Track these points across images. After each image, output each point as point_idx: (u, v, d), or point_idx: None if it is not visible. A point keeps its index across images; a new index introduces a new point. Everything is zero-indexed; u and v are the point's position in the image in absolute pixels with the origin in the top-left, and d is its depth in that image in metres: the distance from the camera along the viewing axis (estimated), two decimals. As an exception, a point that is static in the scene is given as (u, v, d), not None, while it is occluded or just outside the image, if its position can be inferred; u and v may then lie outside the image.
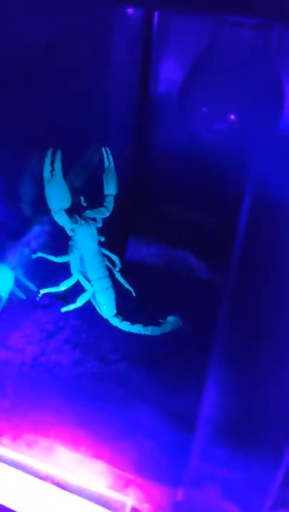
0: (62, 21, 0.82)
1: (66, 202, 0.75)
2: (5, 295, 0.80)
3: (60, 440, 0.60)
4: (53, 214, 0.76)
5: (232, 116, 0.80)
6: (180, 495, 0.52)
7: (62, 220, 0.76)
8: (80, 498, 0.55)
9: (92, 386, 0.69)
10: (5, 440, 0.60)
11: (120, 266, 0.84)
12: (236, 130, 0.81)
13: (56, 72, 0.83)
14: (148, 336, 0.78)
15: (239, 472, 0.50)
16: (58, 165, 0.73)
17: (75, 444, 0.59)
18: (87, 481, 0.55)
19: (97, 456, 0.58)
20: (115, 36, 0.95)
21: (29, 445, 0.59)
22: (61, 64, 0.83)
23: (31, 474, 0.56)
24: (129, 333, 0.79)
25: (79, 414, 0.63)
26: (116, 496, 0.54)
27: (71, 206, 0.77)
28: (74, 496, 0.55)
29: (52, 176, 0.73)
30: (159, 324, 0.79)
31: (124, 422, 0.61)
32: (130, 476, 0.55)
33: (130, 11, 0.94)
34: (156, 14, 0.92)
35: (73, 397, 0.65)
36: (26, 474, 0.57)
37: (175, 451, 0.56)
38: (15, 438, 0.60)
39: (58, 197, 0.74)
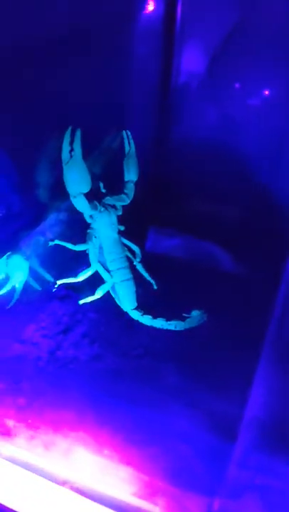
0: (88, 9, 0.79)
1: (86, 185, 0.70)
2: (19, 286, 0.76)
3: (80, 442, 0.54)
4: (71, 198, 0.71)
5: (266, 92, 0.74)
6: (216, 506, 0.47)
7: (81, 205, 0.72)
8: (101, 507, 0.50)
9: (114, 383, 0.64)
10: (20, 441, 0.55)
11: (141, 257, 0.79)
12: (270, 107, 0.75)
13: (80, 53, 0.80)
14: (172, 330, 0.73)
15: (282, 481, 0.44)
16: (77, 145, 0.68)
17: (97, 446, 0.54)
18: (111, 488, 0.50)
19: (122, 460, 0.52)
20: (138, 21, 0.91)
21: (46, 447, 0.54)
22: (86, 44, 0.80)
23: (48, 479, 0.51)
24: (151, 328, 0.73)
25: (101, 413, 0.57)
26: (143, 504, 0.49)
27: (90, 192, 0.72)
28: (95, 503, 0.50)
29: (71, 156, 0.68)
30: (183, 319, 0.74)
31: (153, 424, 0.56)
32: (159, 484, 0.50)
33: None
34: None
35: (94, 395, 0.60)
36: (43, 479, 0.51)
37: (212, 457, 0.51)
38: (31, 439, 0.55)
39: (77, 179, 0.69)
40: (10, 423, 0.57)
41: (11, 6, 0.68)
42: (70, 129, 0.69)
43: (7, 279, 0.77)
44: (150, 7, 0.92)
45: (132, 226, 0.79)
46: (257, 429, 0.44)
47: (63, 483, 0.51)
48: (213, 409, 0.56)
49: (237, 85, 0.85)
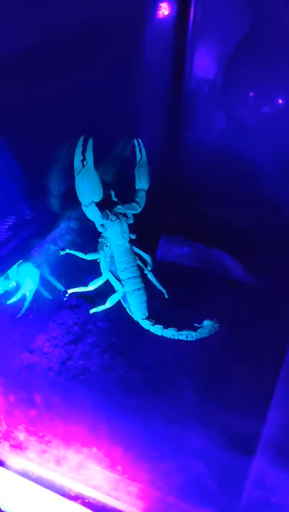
0: (96, 12, 0.79)
1: (98, 194, 0.69)
2: (30, 294, 0.76)
3: (92, 457, 0.54)
4: (83, 207, 0.71)
5: (280, 100, 0.74)
6: (230, 524, 0.46)
7: (93, 214, 0.71)
8: (113, 522, 0.49)
9: (126, 396, 0.63)
10: (31, 455, 0.54)
11: (152, 265, 0.79)
12: (283, 114, 0.75)
13: (89, 61, 0.80)
14: (183, 340, 0.72)
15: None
16: (89, 154, 0.68)
17: (109, 461, 0.53)
18: (123, 504, 0.49)
19: (135, 476, 0.52)
20: (150, 27, 0.90)
21: (58, 461, 0.54)
22: (95, 51, 0.80)
23: (60, 493, 0.51)
24: (162, 338, 0.73)
25: (113, 427, 0.57)
26: (155, 521, 0.48)
27: (102, 200, 0.72)
28: (107, 519, 0.49)
29: (83, 165, 0.68)
30: (195, 329, 0.73)
31: (166, 440, 0.55)
32: (172, 501, 0.49)
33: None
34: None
35: (106, 408, 0.59)
36: (54, 493, 0.51)
37: (226, 474, 0.50)
38: (42, 452, 0.55)
39: (89, 189, 0.69)
40: (21, 436, 0.57)
41: (21, 13, 0.68)
42: (82, 138, 0.68)
43: (17, 287, 0.77)
44: (162, 12, 0.91)
45: (142, 234, 0.78)
46: (274, 449, 0.43)
47: (75, 498, 0.51)
48: (228, 425, 0.55)
49: (249, 91, 0.84)
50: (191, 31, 0.91)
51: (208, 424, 0.55)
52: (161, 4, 0.91)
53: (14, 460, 0.54)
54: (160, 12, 0.92)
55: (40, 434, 0.57)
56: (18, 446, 0.56)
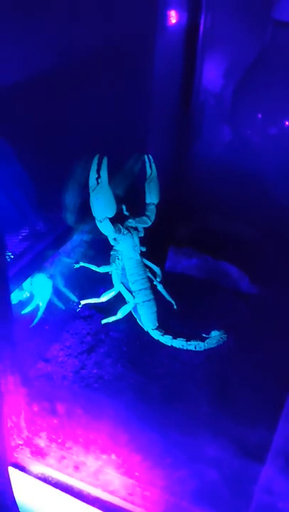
0: (106, 31, 0.81)
1: (111, 210, 0.72)
2: (43, 304, 0.78)
3: (110, 463, 0.56)
4: (97, 223, 0.73)
5: (287, 123, 0.76)
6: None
7: (106, 229, 0.74)
8: (129, 526, 0.52)
9: (140, 403, 0.65)
10: (51, 461, 0.57)
11: (161, 277, 0.81)
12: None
13: (101, 78, 0.82)
14: (192, 350, 0.75)
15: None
16: (104, 172, 0.71)
17: (126, 468, 0.56)
18: (139, 508, 0.52)
19: (151, 482, 0.54)
20: (159, 42, 0.93)
21: (77, 468, 0.56)
22: (107, 69, 0.82)
23: (78, 498, 0.53)
24: (172, 348, 0.75)
25: (130, 435, 0.59)
26: (170, 525, 0.50)
27: (114, 215, 0.74)
28: (123, 522, 0.52)
29: (98, 183, 0.71)
30: (203, 339, 0.76)
31: (181, 447, 0.58)
32: (186, 506, 0.51)
33: (174, 16, 0.92)
34: (202, 19, 0.89)
35: (123, 416, 0.62)
36: (73, 498, 0.53)
37: (239, 481, 0.53)
38: (62, 459, 0.57)
39: (103, 205, 0.71)
40: (42, 443, 0.59)
41: (36, 35, 0.70)
42: (97, 156, 0.71)
43: (31, 297, 0.80)
44: (171, 27, 0.93)
45: (152, 246, 0.81)
46: (282, 457, 0.46)
47: (93, 502, 0.53)
48: (239, 434, 0.58)
49: (258, 107, 0.86)
50: (201, 47, 0.93)
51: (219, 433, 0.57)
52: (171, 20, 0.93)
53: (35, 466, 0.57)
54: (170, 28, 0.94)
55: (60, 440, 0.60)
56: (38, 453, 0.58)
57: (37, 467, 0.56)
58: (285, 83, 0.73)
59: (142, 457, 0.57)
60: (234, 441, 0.57)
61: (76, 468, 0.56)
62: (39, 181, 0.77)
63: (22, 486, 0.56)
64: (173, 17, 0.92)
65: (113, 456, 0.57)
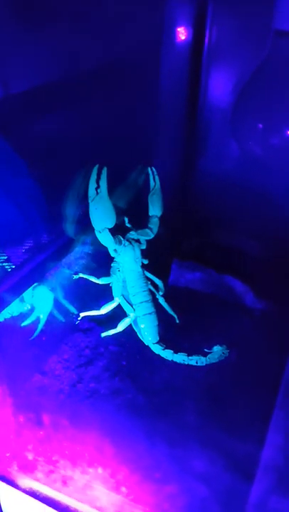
0: (113, 46, 0.82)
1: (111, 221, 0.72)
2: (44, 316, 0.77)
3: (98, 478, 0.54)
4: (96, 233, 0.73)
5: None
6: None
7: (106, 239, 0.73)
8: None
9: (134, 419, 0.63)
10: (39, 475, 0.55)
11: (164, 290, 0.80)
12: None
13: (107, 91, 0.83)
14: (193, 365, 0.73)
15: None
16: (103, 182, 0.71)
17: (115, 483, 0.54)
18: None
19: (140, 499, 0.52)
20: (165, 57, 0.93)
21: (65, 482, 0.54)
22: (113, 81, 0.83)
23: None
24: (172, 362, 0.73)
25: (119, 449, 0.57)
26: None
27: (115, 226, 0.74)
28: None
29: (97, 193, 0.70)
30: (205, 354, 0.74)
31: (171, 462, 0.55)
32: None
33: (180, 31, 0.93)
34: (207, 34, 0.90)
35: (113, 431, 0.60)
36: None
37: (229, 497, 0.50)
38: (50, 473, 0.56)
39: (102, 215, 0.71)
40: (29, 456, 0.58)
41: (46, 52, 0.72)
42: (96, 166, 0.71)
43: (32, 309, 0.79)
44: (177, 42, 0.94)
45: (155, 259, 0.80)
46: (273, 473, 0.43)
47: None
48: (230, 448, 0.55)
49: (263, 121, 0.85)
50: (206, 60, 0.93)
51: (211, 446, 0.55)
52: (177, 35, 0.94)
53: (22, 480, 0.55)
54: (175, 43, 0.94)
55: (48, 454, 0.58)
56: (26, 466, 0.57)
57: (25, 481, 0.55)
58: (288, 93, 0.72)
59: (132, 472, 0.55)
60: (224, 455, 0.54)
61: (64, 483, 0.54)
62: (46, 193, 0.77)
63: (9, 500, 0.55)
64: (179, 33, 0.93)
65: (102, 471, 0.55)
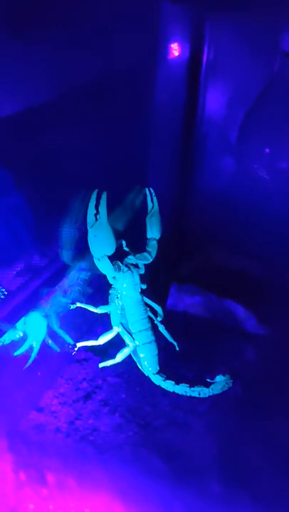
0: (106, 63, 0.79)
1: (110, 248, 0.68)
2: (37, 345, 0.74)
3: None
4: (95, 260, 0.69)
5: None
6: None
7: (105, 267, 0.70)
8: None
9: (136, 458, 0.60)
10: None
11: (163, 317, 0.77)
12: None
13: (102, 110, 0.80)
14: (195, 397, 0.69)
15: None
16: (103, 208, 0.67)
17: None
18: None
19: None
20: (160, 74, 0.91)
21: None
22: (108, 100, 0.80)
23: None
24: (174, 394, 0.70)
25: (121, 490, 0.54)
26: None
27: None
28: None
29: (96, 219, 0.67)
30: (208, 385, 0.71)
31: (172, 505, 0.52)
32: None
33: (176, 48, 0.91)
34: (205, 51, 0.88)
35: (117, 475, 0.56)
36: None
37: None
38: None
39: (102, 242, 0.68)
40: (30, 506, 0.54)
41: (38, 69, 0.69)
42: (96, 191, 0.67)
43: (25, 337, 0.75)
44: (173, 59, 0.92)
45: (153, 283, 0.77)
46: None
47: None
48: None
49: (262, 142, 0.84)
50: (204, 78, 0.91)
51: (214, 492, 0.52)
52: (173, 52, 0.92)
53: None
54: (171, 59, 0.92)
55: (51, 507, 0.54)
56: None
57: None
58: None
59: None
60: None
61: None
62: (36, 213, 0.74)
63: None
64: (175, 49, 0.90)
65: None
